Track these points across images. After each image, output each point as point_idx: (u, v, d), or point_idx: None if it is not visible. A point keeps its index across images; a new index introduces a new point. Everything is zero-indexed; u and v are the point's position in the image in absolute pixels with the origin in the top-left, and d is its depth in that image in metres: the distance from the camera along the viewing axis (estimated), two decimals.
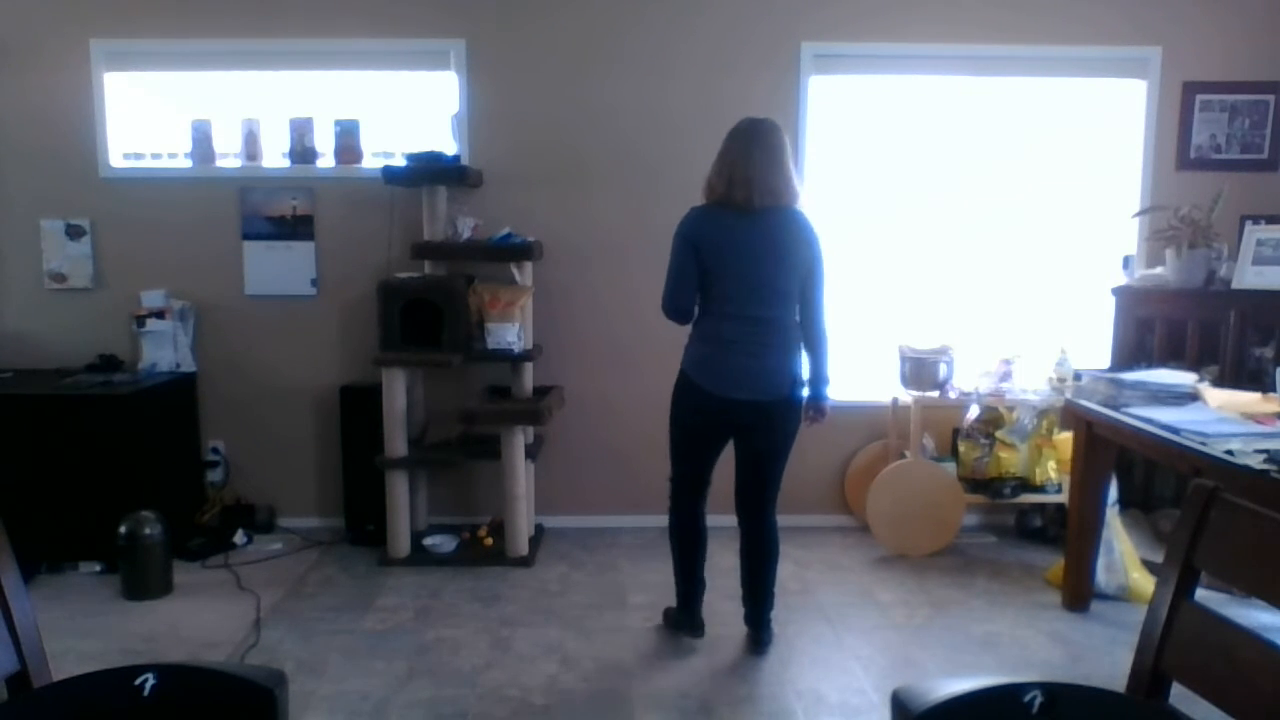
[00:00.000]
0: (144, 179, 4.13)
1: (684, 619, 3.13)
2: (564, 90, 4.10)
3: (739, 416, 2.87)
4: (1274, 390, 3.00)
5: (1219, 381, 3.30)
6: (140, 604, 3.43)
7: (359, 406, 3.99)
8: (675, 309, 2.90)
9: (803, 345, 2.93)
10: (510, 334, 3.81)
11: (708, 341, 2.87)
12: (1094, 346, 4.15)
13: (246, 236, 4.15)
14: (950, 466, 4.09)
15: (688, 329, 2.96)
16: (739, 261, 2.80)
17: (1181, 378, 3.11)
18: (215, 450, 4.26)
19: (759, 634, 3.06)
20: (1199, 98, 4.14)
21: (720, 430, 2.94)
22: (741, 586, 3.09)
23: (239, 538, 4.04)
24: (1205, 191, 3.85)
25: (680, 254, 2.84)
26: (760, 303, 2.82)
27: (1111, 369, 3.63)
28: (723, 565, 3.19)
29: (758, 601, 3.06)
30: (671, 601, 3.18)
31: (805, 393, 2.96)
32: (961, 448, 4.10)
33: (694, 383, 2.87)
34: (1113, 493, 3.44)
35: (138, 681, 1.39)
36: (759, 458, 2.95)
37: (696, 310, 2.91)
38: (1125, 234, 4.22)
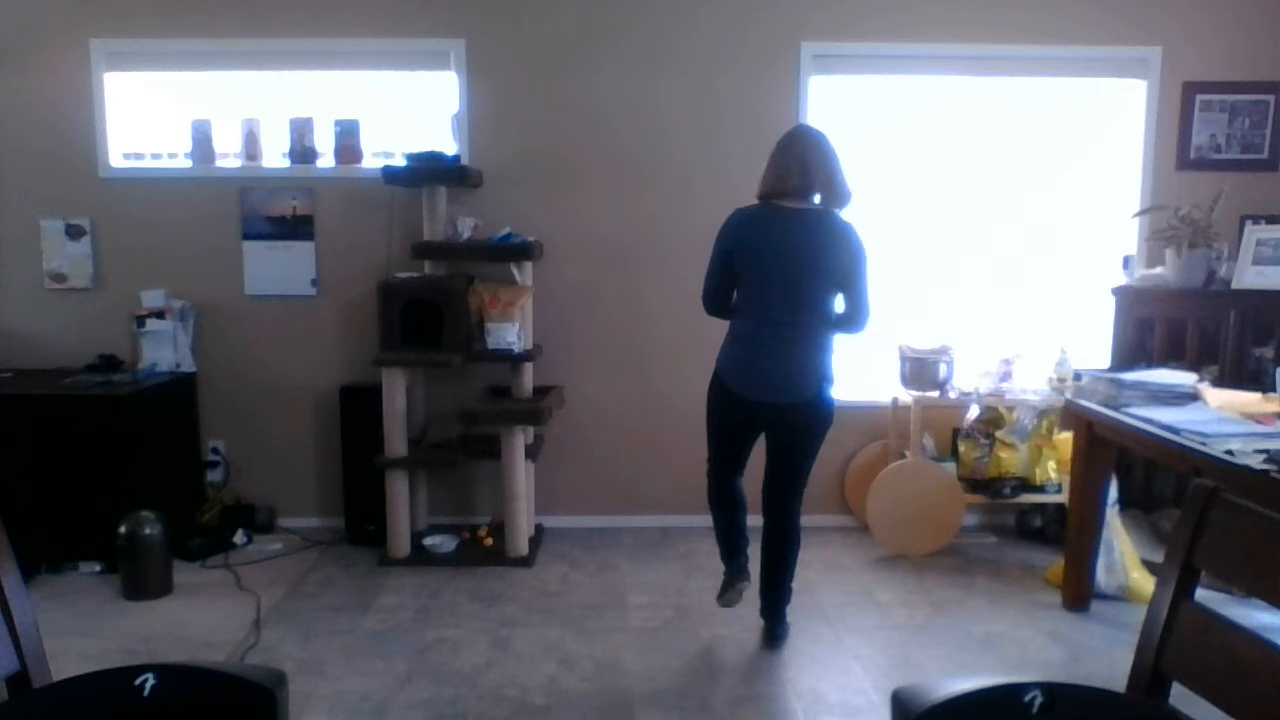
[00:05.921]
0: (144, 179, 4.13)
1: (731, 571, 3.13)
2: (564, 90, 4.09)
3: (764, 416, 2.94)
4: (1274, 390, 3.00)
5: (1219, 381, 3.30)
6: (140, 604, 3.43)
7: (359, 406, 3.99)
8: (710, 306, 3.08)
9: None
10: (510, 334, 3.81)
11: (737, 343, 2.97)
12: (1094, 346, 4.15)
13: (246, 236, 4.15)
14: (950, 466, 4.09)
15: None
16: (769, 266, 2.86)
17: (1181, 378, 3.11)
18: (215, 450, 4.26)
19: (774, 626, 3.11)
20: (1199, 98, 4.14)
21: (749, 426, 3.02)
22: (760, 579, 3.12)
23: (239, 538, 4.04)
24: (1205, 191, 3.85)
25: (716, 254, 2.98)
26: (788, 307, 2.87)
27: (1111, 369, 3.63)
28: None
29: (774, 594, 3.10)
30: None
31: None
32: (961, 448, 4.10)
33: (724, 383, 2.97)
34: (1113, 493, 3.44)
35: (138, 681, 1.39)
36: (783, 455, 3.01)
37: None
38: (1125, 234, 4.22)
